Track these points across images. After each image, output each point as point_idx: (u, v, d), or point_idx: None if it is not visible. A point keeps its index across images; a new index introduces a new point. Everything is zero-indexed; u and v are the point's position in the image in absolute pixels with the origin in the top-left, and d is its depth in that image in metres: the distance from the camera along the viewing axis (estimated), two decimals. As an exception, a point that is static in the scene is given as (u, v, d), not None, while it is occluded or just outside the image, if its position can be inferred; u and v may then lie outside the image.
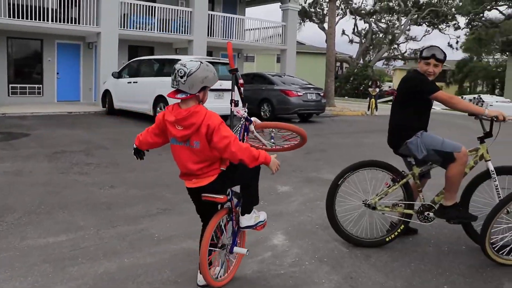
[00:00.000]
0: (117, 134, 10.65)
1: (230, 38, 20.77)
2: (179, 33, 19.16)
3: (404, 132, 4.04)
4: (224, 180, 3.00)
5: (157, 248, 3.96)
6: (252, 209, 3.24)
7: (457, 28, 41.67)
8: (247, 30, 22.41)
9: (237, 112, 3.39)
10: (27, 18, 15.42)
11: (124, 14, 17.59)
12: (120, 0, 17.20)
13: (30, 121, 12.51)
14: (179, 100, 2.90)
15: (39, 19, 15.65)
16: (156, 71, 13.76)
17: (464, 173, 3.96)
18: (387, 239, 4.17)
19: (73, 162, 7.35)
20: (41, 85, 18.06)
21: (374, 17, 42.05)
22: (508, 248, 3.80)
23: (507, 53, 33.63)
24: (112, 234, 4.24)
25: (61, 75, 18.46)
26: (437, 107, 16.23)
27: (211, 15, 20.23)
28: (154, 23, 18.34)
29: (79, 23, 16.72)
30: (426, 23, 41.57)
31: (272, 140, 3.86)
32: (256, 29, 22.49)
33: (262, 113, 15.24)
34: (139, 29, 18.07)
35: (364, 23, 43.27)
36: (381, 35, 43.09)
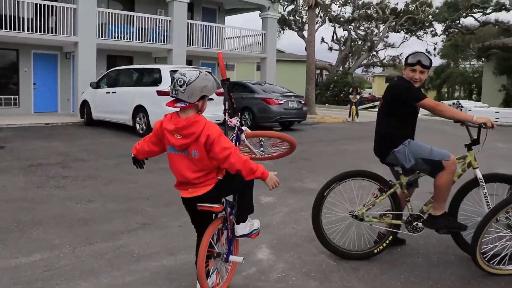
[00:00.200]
0: (95, 146, 10.39)
1: (210, 46, 20.67)
2: (158, 42, 18.95)
3: (391, 141, 3.94)
4: (221, 189, 3.01)
5: (137, 265, 3.77)
6: (247, 218, 3.24)
7: (434, 34, 42.41)
8: (226, 38, 22.31)
9: (229, 121, 3.38)
10: (1, 28, 15.07)
11: (102, 23, 17.32)
12: (97, 9, 16.96)
13: (5, 133, 12.16)
14: (170, 110, 2.91)
15: (15, 29, 15.29)
16: (135, 80, 13.56)
17: (452, 181, 3.88)
18: (375, 251, 4.05)
19: (50, 175, 7.11)
20: (17, 96, 17.61)
21: (353, 24, 42.40)
22: (498, 258, 3.72)
23: (483, 59, 34.18)
24: (89, 252, 4.03)
25: (38, 85, 18.03)
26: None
27: (191, 23, 20.06)
28: (132, 32, 18.13)
29: (56, 32, 16.43)
30: (404, 30, 42.19)
31: (261, 149, 3.83)
32: (235, 37, 22.43)
33: (243, 122, 15.07)
34: (118, 38, 17.85)
35: (343, 30, 43.73)
36: (360, 43, 43.47)
